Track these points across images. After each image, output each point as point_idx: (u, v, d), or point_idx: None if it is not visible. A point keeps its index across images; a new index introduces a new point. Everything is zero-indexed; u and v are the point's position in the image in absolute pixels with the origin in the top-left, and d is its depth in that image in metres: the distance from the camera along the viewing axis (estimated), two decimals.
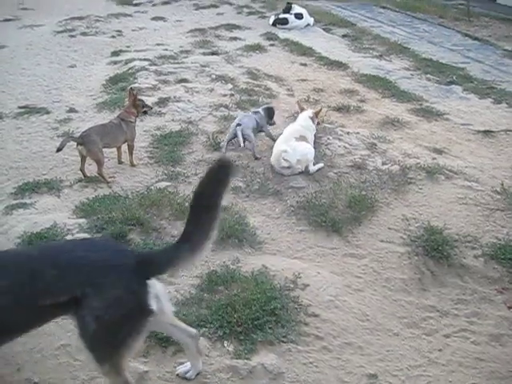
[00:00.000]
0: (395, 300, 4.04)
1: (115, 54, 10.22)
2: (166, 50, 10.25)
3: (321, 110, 6.31)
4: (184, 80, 8.33)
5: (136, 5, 15.06)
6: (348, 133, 6.53)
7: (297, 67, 9.45)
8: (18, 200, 5.21)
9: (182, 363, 3.34)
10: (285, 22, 12.32)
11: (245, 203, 5.17)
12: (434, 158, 6.02)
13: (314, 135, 6.06)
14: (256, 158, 5.89)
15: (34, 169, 5.85)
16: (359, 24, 12.90)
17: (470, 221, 4.93)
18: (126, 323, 2.66)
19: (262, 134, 6.23)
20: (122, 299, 2.64)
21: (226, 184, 2.79)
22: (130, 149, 5.80)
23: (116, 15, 13.55)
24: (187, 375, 3.26)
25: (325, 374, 3.38)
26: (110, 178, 5.56)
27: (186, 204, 4.95)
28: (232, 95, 7.74)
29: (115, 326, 2.64)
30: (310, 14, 12.74)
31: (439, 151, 6.25)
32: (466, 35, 12.08)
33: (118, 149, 5.84)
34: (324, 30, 12.41)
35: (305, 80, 8.71)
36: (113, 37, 11.57)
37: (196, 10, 14.51)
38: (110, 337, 2.66)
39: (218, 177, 2.75)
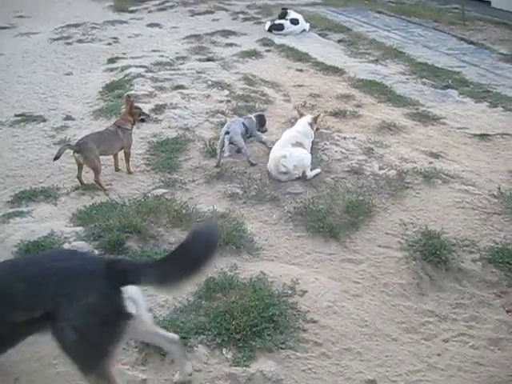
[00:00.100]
0: (393, 305, 4.03)
1: (111, 61, 10.22)
2: (162, 56, 10.26)
3: (319, 115, 6.32)
4: (180, 86, 8.34)
5: (132, 12, 15.09)
6: (345, 138, 6.54)
7: (293, 73, 9.46)
8: (14, 208, 5.20)
9: None
10: (280, 27, 12.34)
11: (242, 209, 5.16)
12: (430, 163, 6.02)
13: (312, 141, 6.06)
14: (251, 164, 5.89)
15: (31, 177, 5.85)
16: (355, 29, 12.92)
17: (468, 225, 4.93)
18: (106, 329, 2.62)
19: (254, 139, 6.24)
20: (97, 305, 2.59)
21: (211, 250, 2.74)
22: (127, 156, 5.80)
23: (112, 22, 13.56)
24: (175, 379, 3.25)
25: (324, 380, 3.37)
26: (107, 185, 5.55)
27: (184, 211, 4.96)
28: (228, 101, 7.75)
29: (95, 334, 2.61)
30: (306, 20, 12.76)
31: (436, 155, 6.25)
32: (462, 39, 12.10)
33: (115, 156, 5.83)
34: (320, 35, 12.42)
35: (301, 85, 8.72)
36: (109, 44, 11.58)
37: (191, 16, 14.53)
38: (91, 345, 2.62)
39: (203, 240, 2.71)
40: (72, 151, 5.45)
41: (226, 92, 8.16)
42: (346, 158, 6.08)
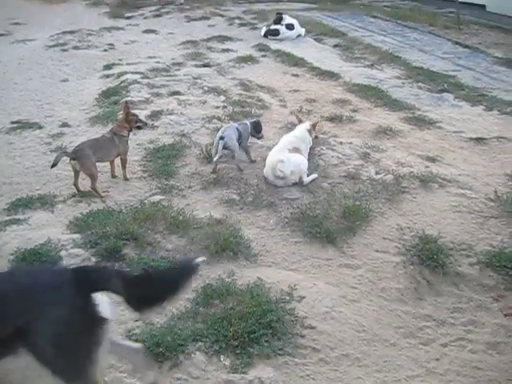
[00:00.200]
0: (391, 310, 4.03)
1: (107, 67, 10.24)
2: (158, 62, 10.28)
3: (317, 122, 6.33)
4: (176, 92, 8.34)
5: (128, 18, 15.12)
6: (341, 143, 6.55)
7: (289, 78, 9.48)
8: (11, 216, 5.18)
9: (178, 378, 3.32)
10: (276, 32, 12.38)
11: (239, 215, 5.16)
12: (427, 167, 6.03)
13: (310, 148, 6.07)
14: (239, 169, 5.89)
15: (27, 184, 5.83)
16: (350, 34, 12.96)
17: (465, 229, 4.93)
18: (81, 337, 2.59)
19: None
20: (68, 315, 2.55)
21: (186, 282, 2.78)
22: (123, 163, 5.79)
23: (108, 29, 13.60)
24: None
25: None
26: (104, 192, 5.54)
27: (180, 217, 4.95)
28: (225, 107, 7.75)
29: (71, 344, 2.57)
30: (301, 25, 12.81)
31: (432, 159, 6.26)
32: (457, 43, 12.15)
33: (111, 163, 5.83)
34: (315, 40, 12.46)
35: (297, 90, 8.74)
36: (105, 50, 11.60)
37: (187, 22, 14.57)
38: (70, 356, 2.59)
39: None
40: (68, 158, 5.45)
41: (222, 98, 8.17)
42: (343, 162, 6.08)
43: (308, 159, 5.84)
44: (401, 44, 12.18)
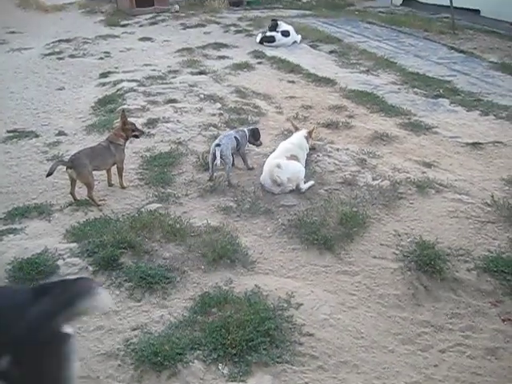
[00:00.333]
0: (389, 316, 4.02)
1: (103, 75, 10.24)
2: (154, 70, 10.29)
3: (314, 129, 6.34)
4: (173, 100, 8.34)
5: (123, 26, 15.12)
6: (337, 149, 6.55)
7: (285, 84, 9.49)
8: (7, 225, 5.17)
9: None
10: (272, 39, 12.41)
11: (236, 223, 5.15)
12: (423, 172, 6.04)
13: (307, 154, 6.08)
14: (229, 184, 5.80)
15: (24, 193, 5.82)
16: (346, 40, 13.00)
17: (462, 234, 4.94)
18: (48, 356, 2.51)
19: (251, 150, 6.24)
20: (30, 336, 2.44)
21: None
22: (120, 171, 5.78)
23: (104, 37, 13.60)
24: None
25: None
26: (101, 200, 5.53)
27: (177, 225, 4.95)
28: (221, 114, 7.76)
29: (38, 364, 2.48)
30: (297, 31, 12.83)
31: (429, 165, 6.27)
32: (452, 48, 12.20)
33: (108, 171, 5.82)
34: (311, 46, 12.48)
35: (293, 97, 8.75)
36: (101, 58, 11.61)
37: (183, 29, 14.58)
38: (39, 376, 2.48)
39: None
40: (65, 167, 5.44)
41: (219, 105, 8.17)
42: (339, 169, 6.09)
43: (305, 166, 5.84)
44: (396, 49, 12.22)
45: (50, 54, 11.99)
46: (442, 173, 6.07)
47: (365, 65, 10.80)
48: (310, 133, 6.18)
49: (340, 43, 12.60)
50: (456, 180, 5.88)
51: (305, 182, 5.66)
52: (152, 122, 7.44)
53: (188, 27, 14.72)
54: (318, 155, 6.38)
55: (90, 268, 4.43)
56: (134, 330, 3.82)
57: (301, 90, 9.14)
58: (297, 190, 5.60)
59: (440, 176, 5.95)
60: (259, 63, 10.93)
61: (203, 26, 14.80)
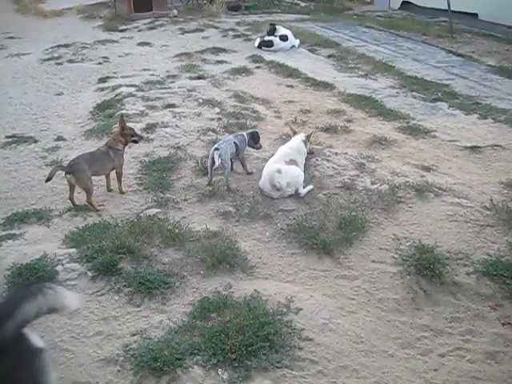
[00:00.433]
0: (389, 321, 4.02)
1: (102, 80, 10.24)
2: (153, 75, 10.29)
3: (312, 133, 6.34)
4: (171, 105, 8.35)
5: (122, 31, 15.13)
6: (336, 153, 6.55)
7: (283, 89, 9.50)
8: (6, 231, 5.16)
9: None
10: (270, 44, 12.42)
11: (235, 228, 5.15)
12: (422, 176, 6.04)
13: (305, 158, 6.08)
14: (228, 188, 5.81)
15: (23, 199, 5.82)
16: (344, 44, 13.01)
17: (461, 238, 4.94)
18: (23, 374, 2.43)
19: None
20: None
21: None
22: (119, 176, 5.78)
23: (102, 42, 13.60)
24: None
25: None
26: (100, 206, 5.53)
27: (176, 230, 4.95)
28: (219, 119, 7.76)
29: (12, 380, 2.41)
30: (295, 36, 12.84)
31: (427, 169, 6.27)
32: (450, 52, 12.23)
33: (107, 176, 5.82)
34: (309, 50, 12.50)
35: (292, 101, 8.75)
36: (99, 63, 11.60)
37: (182, 34, 14.58)
38: None
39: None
40: (64, 172, 5.44)
41: (217, 110, 8.18)
42: (338, 173, 6.09)
43: (304, 170, 5.84)
44: (394, 53, 12.24)
45: (48, 59, 11.99)
46: (441, 176, 6.08)
47: (363, 69, 10.82)
48: (308, 137, 6.19)
49: (338, 47, 12.62)
50: (455, 184, 5.88)
51: (304, 187, 5.66)
52: (151, 127, 7.44)
53: (186, 32, 14.73)
54: (317, 159, 6.39)
55: (89, 273, 4.42)
56: (134, 335, 3.82)
57: (299, 95, 9.15)
58: (296, 195, 5.60)
59: (439, 180, 5.95)
60: (258, 68, 10.94)
61: (201, 30, 14.81)
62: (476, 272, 4.45)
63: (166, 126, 7.49)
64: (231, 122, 7.63)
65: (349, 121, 7.83)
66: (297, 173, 5.64)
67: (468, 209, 5.38)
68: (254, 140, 6.21)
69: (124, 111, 7.99)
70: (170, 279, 4.35)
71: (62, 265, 4.53)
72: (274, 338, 3.70)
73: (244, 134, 6.19)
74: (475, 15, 15.10)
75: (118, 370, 3.51)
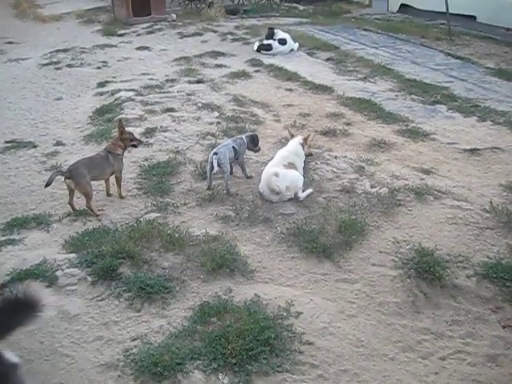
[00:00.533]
0: (389, 324, 4.02)
1: (101, 85, 10.25)
2: (152, 79, 10.30)
3: (309, 135, 6.34)
4: (170, 109, 8.35)
5: (121, 35, 15.12)
6: (335, 157, 6.55)
7: (282, 92, 9.51)
8: (6, 236, 5.16)
9: None
10: (269, 47, 12.43)
11: (235, 232, 5.15)
12: (422, 179, 6.04)
13: (304, 161, 6.08)
14: (227, 192, 5.81)
15: (22, 204, 5.82)
16: (343, 47, 13.02)
17: (461, 240, 4.94)
18: None
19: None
20: None
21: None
22: (118, 181, 5.78)
23: (101, 46, 13.60)
24: None
25: None
26: (99, 210, 5.53)
27: (176, 235, 4.95)
28: (219, 123, 7.77)
29: None
30: (294, 39, 12.85)
31: (427, 171, 6.27)
32: (449, 54, 12.24)
33: (106, 181, 5.82)
34: (308, 54, 12.51)
35: (291, 105, 8.76)
36: (98, 68, 11.61)
37: (180, 38, 14.58)
38: None
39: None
40: (63, 177, 5.44)
41: (216, 114, 8.18)
42: (338, 177, 6.09)
43: (303, 174, 5.84)
44: (393, 56, 12.25)
45: (47, 64, 11.99)
46: (441, 179, 6.08)
47: (362, 72, 10.83)
48: (305, 139, 6.18)
49: (337, 51, 12.62)
50: (454, 186, 5.88)
51: (303, 190, 5.66)
52: (150, 132, 7.45)
53: (185, 36, 14.73)
54: (316, 163, 6.39)
55: (89, 278, 4.42)
56: (134, 340, 3.81)
57: (298, 98, 9.16)
58: (295, 199, 5.60)
59: (438, 182, 5.95)
60: (256, 71, 10.96)
61: (200, 34, 14.81)
62: (476, 275, 4.44)
63: (165, 131, 7.49)
64: (230, 125, 7.64)
65: (348, 124, 7.83)
66: (296, 176, 5.63)
67: (468, 211, 5.38)
68: (254, 143, 6.21)
69: (123, 116, 8.00)
70: (170, 284, 4.35)
71: (62, 270, 4.53)
72: (275, 342, 3.70)
73: (243, 137, 6.19)
74: (473, 18, 15.12)
75: (119, 375, 3.51)
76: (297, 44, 12.79)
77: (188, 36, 14.71)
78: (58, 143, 7.46)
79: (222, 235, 5.03)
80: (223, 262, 4.54)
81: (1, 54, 13.38)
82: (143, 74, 10.80)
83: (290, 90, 9.66)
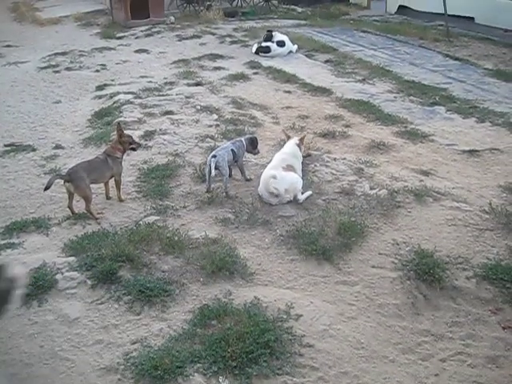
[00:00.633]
0: (389, 326, 4.02)
1: (100, 88, 10.23)
2: (151, 82, 10.29)
3: (305, 136, 6.33)
4: (169, 112, 8.35)
5: (119, 38, 15.11)
6: (335, 159, 6.56)
7: (281, 95, 9.51)
8: (5, 240, 5.15)
9: None
10: (267, 50, 12.43)
11: (234, 234, 5.14)
12: (421, 180, 6.04)
13: (302, 162, 6.08)
14: (227, 195, 5.81)
15: (22, 207, 5.81)
16: (341, 49, 13.03)
17: (460, 242, 4.94)
18: None
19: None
20: None
21: None
22: (117, 184, 5.78)
23: (100, 49, 13.59)
24: None
25: None
26: (99, 214, 5.53)
27: (176, 238, 4.94)
28: (217, 125, 7.76)
29: None
30: (292, 41, 12.85)
31: (426, 173, 6.28)
32: (447, 56, 12.25)
33: (106, 184, 5.82)
34: (306, 56, 12.51)
35: (289, 107, 8.76)
36: (97, 71, 11.60)
37: (179, 41, 14.58)
38: None
39: None
40: (62, 181, 5.44)
41: (215, 116, 8.18)
42: (337, 179, 6.09)
43: (302, 176, 5.84)
44: (391, 58, 12.26)
45: (46, 67, 11.98)
46: (440, 181, 6.08)
47: (360, 74, 10.83)
48: (301, 140, 6.16)
49: (335, 52, 12.63)
50: (453, 188, 5.89)
51: (302, 193, 5.66)
52: (149, 135, 7.44)
53: (184, 38, 14.73)
54: (316, 165, 6.39)
55: (89, 282, 4.42)
56: (134, 343, 3.81)
57: (297, 100, 9.16)
58: (294, 201, 5.60)
59: (437, 184, 5.96)
60: (255, 74, 10.96)
61: (199, 37, 14.81)
62: (476, 276, 4.45)
63: (164, 133, 7.49)
64: (229, 128, 7.64)
65: (347, 126, 7.83)
66: (295, 179, 5.63)
67: (467, 213, 5.38)
68: (253, 145, 6.21)
69: (122, 119, 7.99)
70: (170, 287, 4.35)
71: (62, 273, 4.53)
72: (275, 344, 3.71)
73: (242, 139, 6.18)
74: (472, 19, 15.14)
75: (119, 379, 3.51)
76: (295, 46, 12.80)
77: (186, 39, 14.71)
78: (57, 146, 7.45)
79: (221, 238, 5.03)
80: (223, 265, 4.54)
81: None
82: (142, 77, 10.78)
83: (289, 92, 9.66)
